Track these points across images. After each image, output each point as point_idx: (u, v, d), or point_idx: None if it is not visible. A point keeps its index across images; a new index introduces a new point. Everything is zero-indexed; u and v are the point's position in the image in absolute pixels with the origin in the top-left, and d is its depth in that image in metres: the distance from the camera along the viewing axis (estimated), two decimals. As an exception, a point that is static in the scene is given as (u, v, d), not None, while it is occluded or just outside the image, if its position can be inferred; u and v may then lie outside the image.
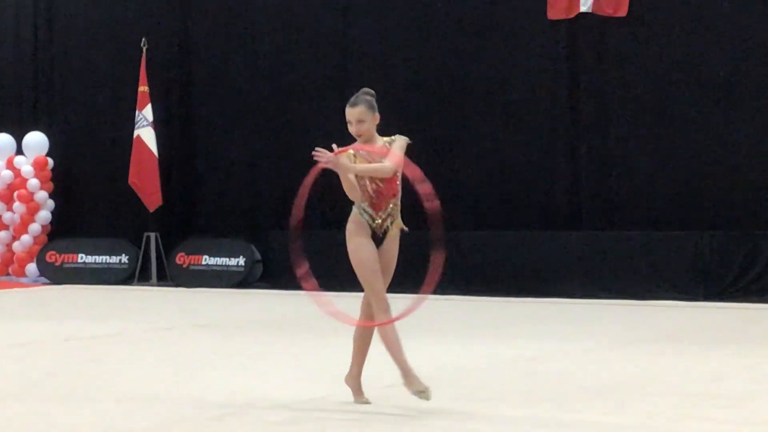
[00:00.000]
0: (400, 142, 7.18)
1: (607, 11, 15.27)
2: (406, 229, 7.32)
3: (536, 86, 15.99)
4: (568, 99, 15.87)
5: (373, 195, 7.13)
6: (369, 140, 7.17)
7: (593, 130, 15.69)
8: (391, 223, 7.21)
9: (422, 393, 6.95)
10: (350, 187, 7.06)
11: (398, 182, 7.22)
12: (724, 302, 14.02)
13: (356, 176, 7.09)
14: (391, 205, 7.20)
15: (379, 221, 7.16)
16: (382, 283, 7.14)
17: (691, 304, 14.07)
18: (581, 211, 15.74)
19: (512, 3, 16.13)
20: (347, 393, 7.39)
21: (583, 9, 15.37)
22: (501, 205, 16.13)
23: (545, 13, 15.65)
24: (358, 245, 7.10)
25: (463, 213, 16.05)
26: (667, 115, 15.25)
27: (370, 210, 7.13)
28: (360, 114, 7.12)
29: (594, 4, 15.31)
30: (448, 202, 15.91)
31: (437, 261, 6.92)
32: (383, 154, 7.06)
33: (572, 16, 15.48)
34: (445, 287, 15.14)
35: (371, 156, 7.12)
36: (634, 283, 14.71)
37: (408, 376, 7.00)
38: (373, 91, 7.24)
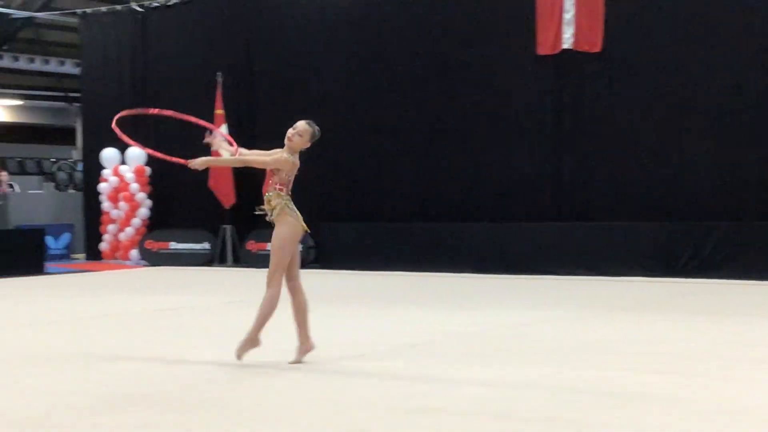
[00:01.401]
0: (275, 156, 7.50)
1: (584, 47, 15.47)
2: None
3: (529, 108, 16.20)
4: (553, 119, 16.01)
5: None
6: (289, 148, 7.53)
7: (575, 143, 15.82)
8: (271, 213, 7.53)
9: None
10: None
11: (270, 182, 7.54)
12: (678, 278, 14.15)
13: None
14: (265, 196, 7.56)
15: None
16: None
17: (652, 279, 14.21)
18: (561, 206, 15.86)
19: (503, 41, 16.24)
20: (363, 355, 7.69)
21: (565, 46, 15.57)
22: (496, 202, 16.23)
23: (534, 49, 15.81)
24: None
25: (470, 208, 16.40)
26: (630, 132, 15.31)
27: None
28: (304, 132, 7.53)
29: (574, 42, 15.55)
30: (463, 199, 16.41)
31: None
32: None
33: (557, 51, 15.64)
34: (454, 267, 15.66)
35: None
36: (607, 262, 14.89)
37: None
38: (318, 134, 7.61)
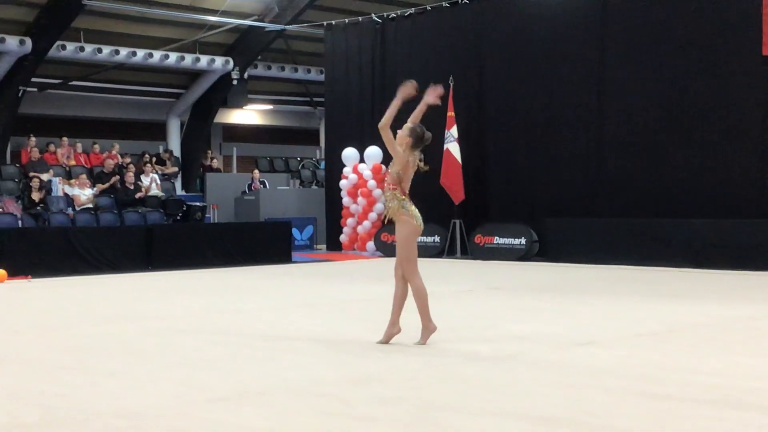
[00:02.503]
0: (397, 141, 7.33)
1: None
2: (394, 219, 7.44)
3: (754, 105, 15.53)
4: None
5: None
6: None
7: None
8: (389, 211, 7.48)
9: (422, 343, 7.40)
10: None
11: (385, 181, 7.47)
12: None
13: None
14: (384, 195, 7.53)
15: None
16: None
17: None
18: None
19: (727, 41, 15.66)
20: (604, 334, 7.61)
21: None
22: (718, 198, 15.62)
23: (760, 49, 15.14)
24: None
25: (693, 204, 15.86)
26: None
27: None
28: (406, 128, 7.44)
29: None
30: (685, 195, 15.86)
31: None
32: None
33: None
34: (675, 261, 15.19)
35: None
36: None
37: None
38: (421, 132, 7.40)
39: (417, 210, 7.53)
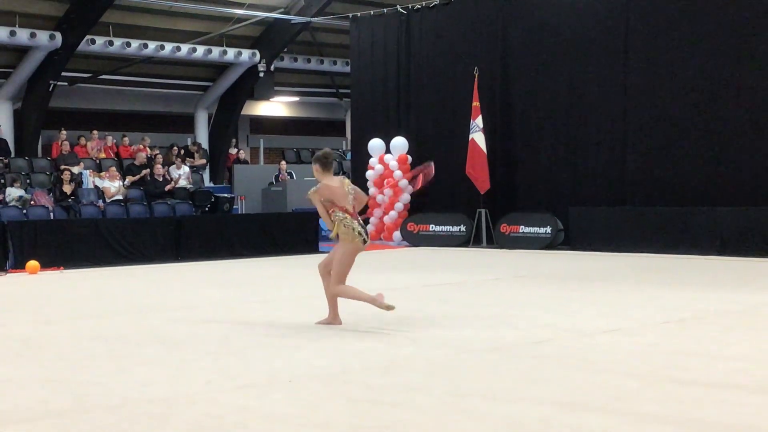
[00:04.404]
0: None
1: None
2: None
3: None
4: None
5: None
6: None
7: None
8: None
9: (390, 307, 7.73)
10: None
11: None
12: None
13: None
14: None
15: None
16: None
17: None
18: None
19: (755, 29, 15.49)
20: (624, 324, 7.60)
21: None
22: (742, 187, 15.52)
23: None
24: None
25: (717, 193, 15.73)
26: None
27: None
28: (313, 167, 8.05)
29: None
30: (709, 184, 15.73)
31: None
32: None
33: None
34: (700, 249, 15.07)
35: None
36: None
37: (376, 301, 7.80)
38: (322, 157, 8.00)
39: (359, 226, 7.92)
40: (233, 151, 25.51)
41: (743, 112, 15.69)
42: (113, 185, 19.41)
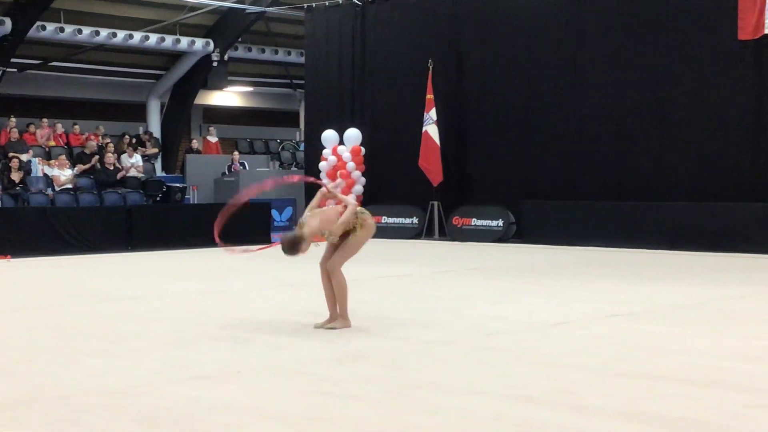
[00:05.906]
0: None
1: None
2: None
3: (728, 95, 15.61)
4: (755, 105, 15.36)
5: None
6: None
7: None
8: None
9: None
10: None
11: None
12: None
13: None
14: None
15: None
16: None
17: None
18: (761, 187, 15.16)
19: (704, 25, 15.74)
20: (575, 317, 7.68)
21: (766, 31, 14.91)
22: (693, 182, 15.73)
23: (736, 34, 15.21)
24: None
25: (666, 187, 15.92)
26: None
27: None
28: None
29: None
30: (660, 179, 15.92)
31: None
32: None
33: (758, 36, 14.99)
34: (651, 244, 15.24)
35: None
36: None
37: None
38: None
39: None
40: (213, 139, 25.23)
41: (693, 108, 15.89)
42: (63, 173, 19.14)
